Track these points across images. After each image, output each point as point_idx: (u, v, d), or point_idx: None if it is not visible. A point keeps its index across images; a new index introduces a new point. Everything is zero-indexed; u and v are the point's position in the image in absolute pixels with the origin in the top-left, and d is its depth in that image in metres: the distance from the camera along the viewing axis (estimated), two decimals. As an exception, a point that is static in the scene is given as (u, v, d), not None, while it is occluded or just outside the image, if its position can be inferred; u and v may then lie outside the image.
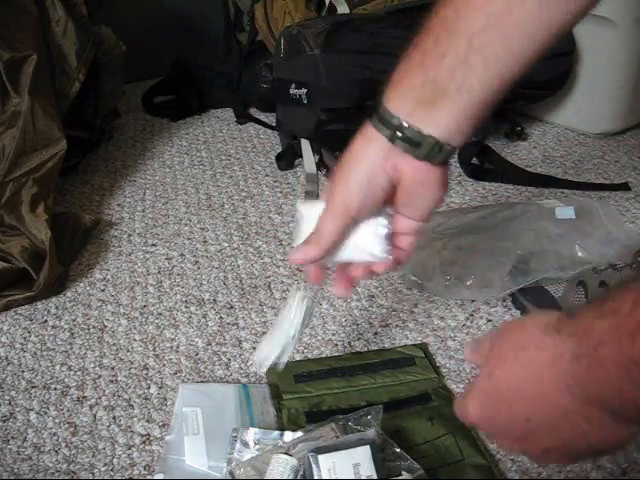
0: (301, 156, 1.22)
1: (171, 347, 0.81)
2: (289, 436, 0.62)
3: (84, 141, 1.25)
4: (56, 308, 0.90)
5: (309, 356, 0.79)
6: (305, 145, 1.21)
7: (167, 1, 1.70)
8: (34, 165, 0.99)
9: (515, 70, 0.55)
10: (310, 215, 0.59)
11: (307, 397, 0.72)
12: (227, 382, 0.76)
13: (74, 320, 0.87)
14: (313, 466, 0.56)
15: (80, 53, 1.10)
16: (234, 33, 1.56)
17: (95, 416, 0.72)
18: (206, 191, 1.19)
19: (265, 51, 1.42)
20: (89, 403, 0.74)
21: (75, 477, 0.65)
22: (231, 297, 0.90)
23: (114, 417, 0.72)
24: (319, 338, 0.82)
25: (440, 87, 0.51)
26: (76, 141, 1.15)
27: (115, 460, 0.67)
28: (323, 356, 0.79)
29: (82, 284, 0.95)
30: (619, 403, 0.38)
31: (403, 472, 0.58)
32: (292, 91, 1.17)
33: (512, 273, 0.83)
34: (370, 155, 0.54)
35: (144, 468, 0.66)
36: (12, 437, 0.70)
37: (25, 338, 0.85)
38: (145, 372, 0.78)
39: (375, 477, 0.55)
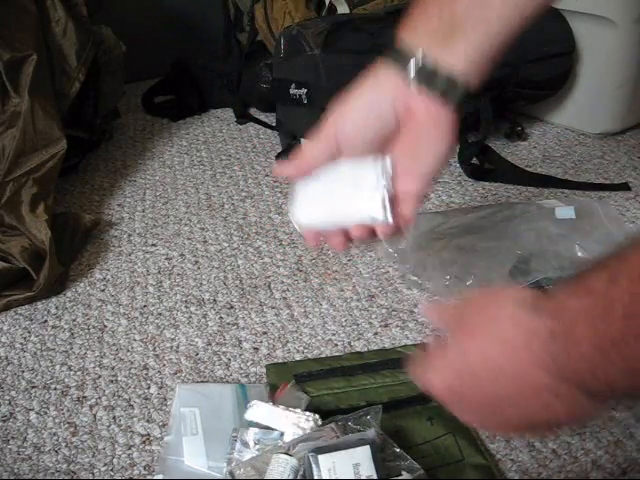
0: (301, 156, 1.22)
1: (171, 347, 0.81)
2: (289, 436, 0.62)
3: (84, 141, 1.25)
4: (56, 308, 0.90)
5: (309, 356, 0.79)
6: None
7: (167, 1, 1.70)
8: (34, 165, 0.99)
9: (532, 6, 0.52)
10: None
11: (307, 397, 0.72)
12: (226, 382, 0.76)
13: (74, 320, 0.87)
14: (313, 466, 0.56)
15: (80, 53, 1.11)
16: (234, 33, 1.56)
17: (95, 416, 0.72)
18: (206, 191, 1.19)
19: (265, 51, 1.43)
20: (89, 403, 0.74)
21: (75, 477, 0.65)
22: (231, 297, 0.90)
23: (114, 417, 0.72)
24: (319, 338, 0.82)
25: (457, 20, 0.50)
26: (76, 141, 1.15)
27: (115, 460, 0.67)
28: (323, 356, 0.79)
29: (82, 284, 0.95)
30: (593, 382, 0.37)
31: (403, 472, 0.58)
32: (292, 91, 1.17)
33: (512, 273, 0.83)
34: (379, 88, 0.52)
35: (144, 468, 0.66)
36: (12, 437, 0.70)
37: (25, 338, 0.85)
38: (145, 372, 0.78)
39: (375, 477, 0.55)
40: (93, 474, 0.66)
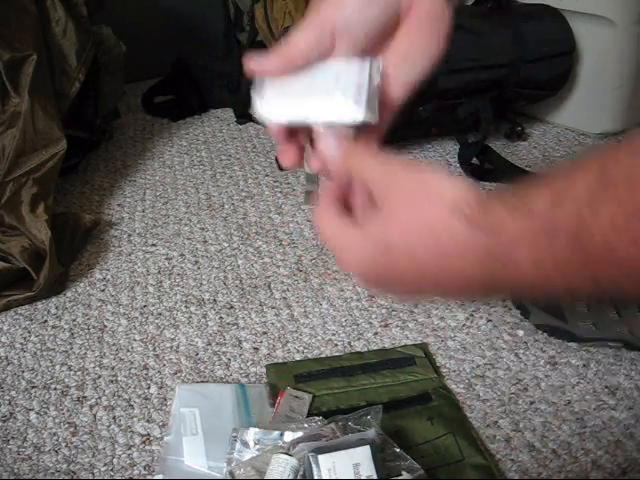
0: (301, 156, 1.22)
1: (171, 347, 0.81)
2: (289, 436, 0.62)
3: (84, 141, 1.25)
4: (56, 308, 0.90)
5: (309, 356, 0.79)
6: (306, 145, 1.21)
7: (167, 1, 1.70)
8: (34, 165, 0.99)
9: None
10: None
11: (307, 397, 0.72)
12: (226, 382, 0.76)
13: (74, 320, 0.87)
14: (313, 466, 0.56)
15: (80, 53, 1.10)
16: (234, 33, 1.56)
17: (95, 416, 0.72)
18: (206, 191, 1.19)
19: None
20: (89, 403, 0.74)
21: (75, 477, 0.65)
22: (231, 297, 0.90)
23: (114, 417, 0.72)
24: (319, 338, 0.82)
25: None
26: (76, 141, 1.15)
27: (115, 460, 0.67)
28: (323, 356, 0.79)
29: (82, 284, 0.95)
30: (527, 294, 0.38)
31: (403, 472, 0.58)
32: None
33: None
34: None
35: (144, 468, 0.66)
36: (12, 437, 0.70)
37: (25, 338, 0.85)
38: (145, 372, 0.78)
39: (375, 477, 0.55)
40: (93, 474, 0.66)
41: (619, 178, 0.31)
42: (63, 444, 0.69)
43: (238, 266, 0.97)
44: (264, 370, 0.77)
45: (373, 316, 0.85)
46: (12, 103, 0.99)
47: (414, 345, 0.79)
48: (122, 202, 1.16)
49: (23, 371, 0.79)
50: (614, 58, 1.24)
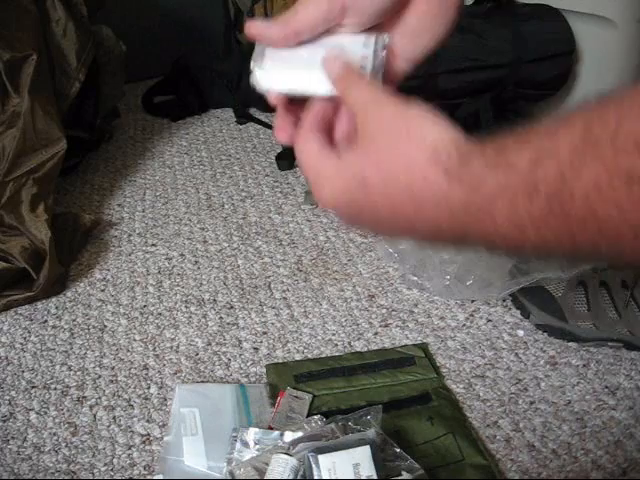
0: (301, 156, 1.22)
1: (171, 347, 0.81)
2: (289, 436, 0.62)
3: (84, 141, 1.24)
4: (56, 308, 0.90)
5: (309, 356, 0.79)
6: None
7: (167, 1, 1.70)
8: (34, 165, 0.99)
9: None
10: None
11: (307, 397, 0.72)
12: (226, 382, 0.76)
13: (74, 320, 0.87)
14: (313, 466, 0.56)
15: (80, 53, 1.10)
16: (234, 33, 1.56)
17: (95, 416, 0.72)
18: (206, 191, 1.19)
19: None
20: (89, 403, 0.74)
21: (75, 477, 0.65)
22: (231, 297, 0.90)
23: (114, 417, 0.72)
24: (319, 338, 0.82)
25: None
26: (76, 141, 1.15)
27: (115, 460, 0.67)
28: (323, 356, 0.79)
29: (82, 284, 0.95)
30: (501, 247, 0.37)
31: (403, 472, 0.58)
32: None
33: (512, 273, 0.83)
34: None
35: (144, 468, 0.66)
36: (12, 437, 0.70)
37: (25, 338, 0.85)
38: (145, 372, 0.78)
39: (375, 477, 0.55)
40: (93, 474, 0.66)
41: (604, 138, 0.30)
42: (63, 444, 0.69)
43: (238, 266, 0.97)
44: (264, 370, 0.77)
45: (373, 316, 0.85)
46: (12, 103, 0.99)
47: (414, 345, 0.79)
48: (122, 202, 1.16)
49: (23, 371, 0.79)
50: (614, 58, 1.23)
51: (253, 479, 0.59)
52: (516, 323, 0.83)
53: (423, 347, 0.79)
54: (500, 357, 0.78)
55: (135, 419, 0.71)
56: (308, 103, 0.48)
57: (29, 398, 0.75)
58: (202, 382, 0.76)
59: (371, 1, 0.46)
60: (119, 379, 0.77)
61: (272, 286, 0.92)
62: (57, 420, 0.72)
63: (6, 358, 0.81)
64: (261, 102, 1.48)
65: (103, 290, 0.93)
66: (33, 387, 0.77)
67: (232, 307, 0.88)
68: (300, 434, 0.62)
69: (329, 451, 0.56)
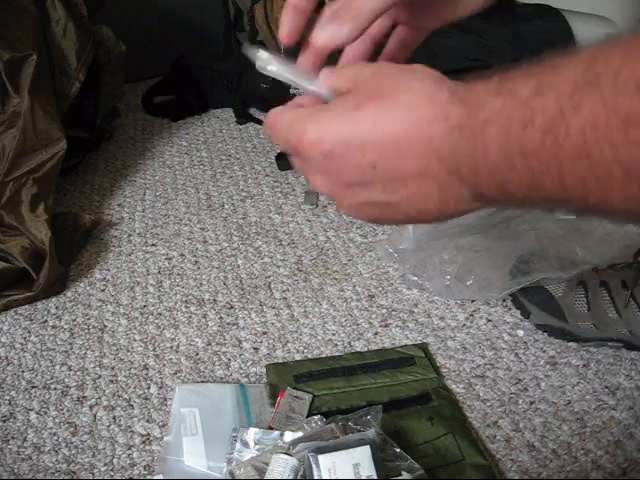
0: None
1: (171, 347, 0.81)
2: (289, 436, 0.62)
3: (84, 141, 1.25)
4: (56, 308, 0.90)
5: (309, 356, 0.79)
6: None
7: (167, 1, 1.70)
8: (34, 165, 0.99)
9: None
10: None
11: (307, 397, 0.72)
12: (226, 382, 0.76)
13: (74, 320, 0.87)
14: (313, 466, 0.56)
15: (80, 53, 1.10)
16: (234, 33, 1.56)
17: (95, 416, 0.72)
18: (206, 191, 1.19)
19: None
20: (89, 403, 0.74)
21: (75, 477, 0.65)
22: (231, 297, 0.90)
23: (114, 417, 0.72)
24: (319, 338, 0.82)
25: None
26: (76, 141, 1.15)
27: (115, 460, 0.67)
28: (323, 356, 0.79)
29: (82, 284, 0.95)
30: (488, 185, 0.36)
31: (403, 472, 0.58)
32: (292, 91, 1.17)
33: (512, 273, 0.83)
34: None
35: (144, 468, 0.66)
36: (12, 437, 0.70)
37: (25, 338, 0.85)
38: (145, 372, 0.78)
39: (375, 477, 0.55)
40: (93, 474, 0.66)
41: (606, 76, 0.30)
42: (63, 444, 0.69)
43: (238, 266, 0.97)
44: (264, 370, 0.77)
45: (373, 316, 0.85)
46: (12, 103, 0.99)
47: (414, 345, 0.79)
48: (122, 202, 1.16)
49: (23, 371, 0.79)
50: (614, 58, 1.24)
51: (253, 479, 0.59)
52: (516, 323, 0.83)
53: (423, 347, 0.79)
54: (500, 357, 0.78)
55: (135, 419, 0.71)
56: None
57: (29, 398, 0.75)
58: (202, 382, 0.76)
59: None
60: (119, 379, 0.77)
61: (272, 286, 0.92)
62: (57, 420, 0.72)
63: (6, 358, 0.81)
64: (261, 102, 1.48)
65: (103, 290, 0.93)
66: (33, 387, 0.77)
67: (232, 307, 0.88)
68: (300, 434, 0.62)
69: (329, 451, 0.56)
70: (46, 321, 0.87)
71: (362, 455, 0.56)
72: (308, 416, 0.68)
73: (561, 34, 1.28)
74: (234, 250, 1.01)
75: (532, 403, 0.71)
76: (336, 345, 0.81)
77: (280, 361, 0.78)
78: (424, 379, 0.74)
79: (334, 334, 0.82)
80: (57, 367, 0.79)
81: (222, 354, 0.80)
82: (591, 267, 0.80)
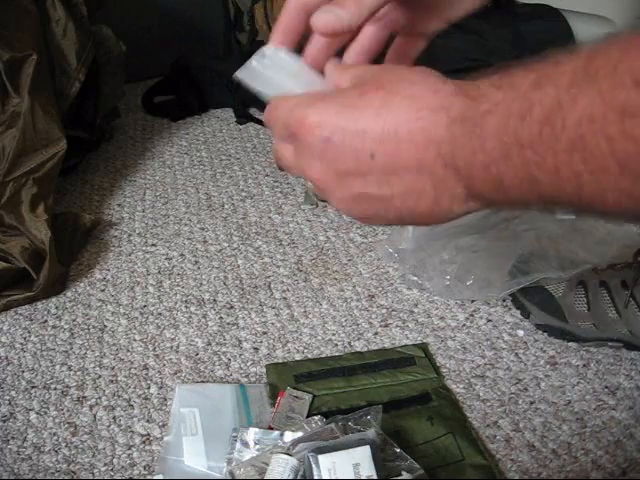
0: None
1: (171, 347, 0.81)
2: (289, 436, 0.62)
3: (84, 141, 1.25)
4: (56, 308, 0.90)
5: (309, 356, 0.79)
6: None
7: (167, 1, 1.70)
8: (34, 165, 0.99)
9: None
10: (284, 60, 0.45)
11: (307, 397, 0.72)
12: (226, 382, 0.76)
13: (74, 320, 0.87)
14: (313, 466, 0.56)
15: (80, 53, 1.10)
16: (234, 33, 1.56)
17: (95, 416, 0.72)
18: (206, 191, 1.19)
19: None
20: (89, 403, 0.74)
21: (75, 477, 0.65)
22: (231, 297, 0.90)
23: (114, 417, 0.72)
24: (319, 338, 0.82)
25: None
26: (76, 141, 1.15)
27: (115, 460, 0.67)
28: (323, 356, 0.79)
29: (82, 284, 0.95)
30: (483, 181, 0.36)
31: (403, 472, 0.58)
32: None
33: (512, 273, 0.83)
34: None
35: (144, 468, 0.66)
36: (12, 437, 0.70)
37: (25, 338, 0.85)
38: (145, 372, 0.78)
39: (375, 477, 0.55)
40: (93, 474, 0.66)
41: (605, 70, 0.30)
42: (63, 444, 0.69)
43: (238, 266, 0.97)
44: (264, 370, 0.77)
45: (373, 316, 0.85)
46: (12, 103, 0.99)
47: (414, 345, 0.79)
48: (122, 202, 1.16)
49: (23, 371, 0.79)
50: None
51: (253, 479, 0.59)
52: (516, 323, 0.83)
53: (423, 347, 0.79)
54: (500, 357, 0.78)
55: (135, 419, 0.71)
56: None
57: (29, 398, 0.75)
58: (202, 382, 0.76)
59: None
60: (119, 379, 0.77)
61: (272, 286, 0.92)
62: (57, 420, 0.72)
63: (6, 358, 0.81)
64: (261, 102, 1.48)
65: (103, 290, 0.93)
66: (33, 387, 0.77)
67: (232, 307, 0.88)
68: (300, 434, 0.62)
69: (329, 451, 0.56)
70: (46, 321, 0.87)
71: (362, 455, 0.56)
72: (308, 416, 0.68)
73: (561, 34, 1.28)
74: (234, 250, 1.01)
75: (532, 403, 0.71)
76: (336, 345, 0.81)
77: (280, 361, 0.78)
78: (424, 379, 0.74)
79: (334, 334, 0.82)
80: (57, 367, 0.79)
81: (222, 354, 0.80)
82: (591, 267, 0.80)
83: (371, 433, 0.59)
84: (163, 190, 1.20)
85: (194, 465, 0.64)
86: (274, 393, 0.72)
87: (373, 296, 0.89)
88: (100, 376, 0.78)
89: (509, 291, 0.83)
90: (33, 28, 1.03)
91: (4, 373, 0.79)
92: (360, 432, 0.61)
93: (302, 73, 0.47)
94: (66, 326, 0.86)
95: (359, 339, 0.81)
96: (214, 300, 0.90)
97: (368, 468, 0.56)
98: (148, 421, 0.71)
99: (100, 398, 0.74)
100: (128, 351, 0.81)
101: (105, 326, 0.86)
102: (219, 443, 0.65)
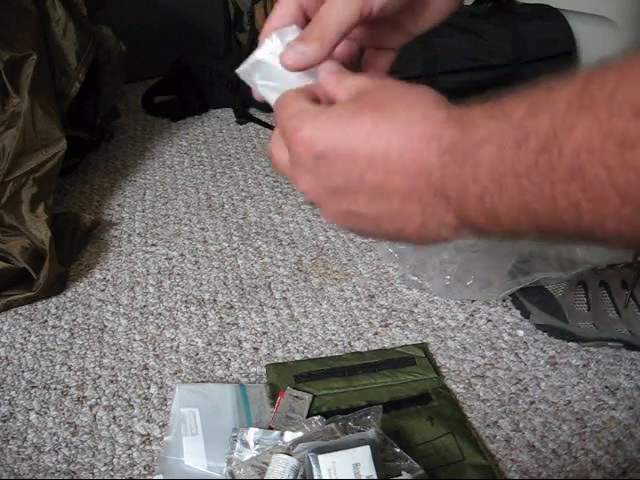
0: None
1: (171, 347, 0.81)
2: (289, 436, 0.62)
3: (84, 141, 1.25)
4: (56, 308, 0.90)
5: (309, 356, 0.79)
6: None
7: (167, 1, 1.70)
8: (34, 165, 0.99)
9: None
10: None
11: (307, 397, 0.72)
12: (226, 382, 0.76)
13: (74, 320, 0.87)
14: (313, 466, 0.56)
15: (80, 53, 1.11)
16: (234, 33, 1.56)
17: (95, 416, 0.72)
18: (206, 191, 1.19)
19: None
20: (89, 403, 0.74)
21: (75, 477, 0.65)
22: (231, 297, 0.90)
23: (114, 417, 0.72)
24: (319, 338, 0.82)
25: None
26: (76, 141, 1.15)
27: (115, 460, 0.67)
28: (323, 356, 0.79)
29: (82, 284, 0.95)
30: (473, 210, 0.35)
31: (403, 472, 0.58)
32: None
33: (512, 273, 0.83)
34: None
35: (144, 468, 0.66)
36: (12, 437, 0.70)
37: (25, 338, 0.85)
38: (145, 372, 0.78)
39: (375, 477, 0.55)
40: (93, 474, 0.66)
41: (601, 98, 0.29)
42: (63, 444, 0.69)
43: (238, 266, 0.97)
44: (264, 370, 0.77)
45: (373, 316, 0.85)
46: (12, 103, 0.99)
47: (414, 345, 0.79)
48: (122, 202, 1.16)
49: (23, 371, 0.79)
50: (614, 58, 1.24)
51: (253, 479, 0.59)
52: (516, 323, 0.83)
53: (423, 347, 0.79)
54: (500, 357, 0.78)
55: (135, 419, 0.71)
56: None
57: (29, 398, 0.75)
58: (202, 382, 0.76)
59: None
60: (119, 379, 0.77)
61: (272, 286, 0.92)
62: (57, 420, 0.72)
63: (6, 358, 0.81)
64: (261, 102, 1.48)
65: (103, 290, 0.93)
66: (33, 387, 0.77)
67: (232, 307, 0.88)
68: (300, 434, 0.62)
69: (329, 451, 0.56)
70: (46, 321, 0.87)
71: (362, 455, 0.56)
72: (308, 416, 0.68)
73: (561, 34, 1.28)
74: (234, 250, 1.01)
75: (532, 403, 0.71)
76: (336, 345, 0.81)
77: (280, 361, 0.78)
78: (424, 379, 0.74)
79: (334, 334, 0.82)
80: (57, 367, 0.79)
81: (222, 354, 0.80)
82: (591, 267, 0.80)
83: (371, 433, 0.59)
84: (163, 190, 1.20)
85: (194, 465, 0.64)
86: (274, 393, 0.72)
87: (373, 296, 0.89)
88: (100, 376, 0.78)
89: (509, 291, 0.83)
90: (33, 28, 1.03)
91: (4, 373, 0.79)
92: (360, 432, 0.61)
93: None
94: (66, 326, 0.86)
95: (359, 339, 0.81)
96: (214, 300, 0.90)
97: (368, 468, 0.56)
98: (148, 421, 0.71)
99: (100, 398, 0.74)
100: (128, 351, 0.81)
101: (105, 326, 0.86)
102: (219, 443, 0.65)
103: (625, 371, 0.75)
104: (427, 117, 0.37)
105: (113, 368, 0.79)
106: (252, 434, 0.64)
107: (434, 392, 0.72)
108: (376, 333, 0.82)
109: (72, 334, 0.85)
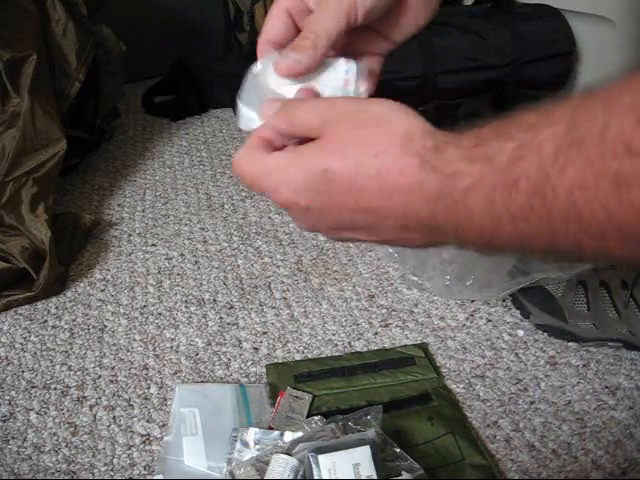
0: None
1: (171, 347, 0.81)
2: (289, 436, 0.62)
3: (84, 141, 1.25)
4: (56, 308, 0.90)
5: (309, 356, 0.79)
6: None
7: (167, 1, 1.70)
8: (34, 165, 0.99)
9: None
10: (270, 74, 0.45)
11: (307, 397, 0.72)
12: (226, 382, 0.76)
13: (74, 320, 0.87)
14: (313, 466, 0.56)
15: (80, 53, 1.10)
16: (234, 33, 1.56)
17: (95, 416, 0.72)
18: (206, 191, 1.19)
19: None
20: (89, 403, 0.74)
21: (75, 477, 0.65)
22: (231, 297, 0.90)
23: (114, 417, 0.72)
24: (319, 338, 0.82)
25: None
26: (76, 141, 1.15)
27: (115, 460, 0.67)
28: (323, 356, 0.79)
29: (82, 284, 0.95)
30: (472, 241, 0.35)
31: (403, 472, 0.58)
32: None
33: (512, 273, 0.83)
34: None
35: (144, 468, 0.66)
36: (12, 437, 0.70)
37: (25, 338, 0.85)
38: (145, 372, 0.78)
39: (375, 477, 0.55)
40: (93, 474, 0.66)
41: (591, 136, 0.28)
42: (63, 444, 0.69)
43: (238, 266, 0.97)
44: (264, 370, 0.77)
45: (373, 316, 0.85)
46: (12, 103, 0.99)
47: (414, 345, 0.79)
48: (122, 202, 1.16)
49: (23, 371, 0.79)
50: (614, 58, 1.24)
51: (253, 479, 0.59)
52: (516, 323, 0.83)
53: (423, 347, 0.79)
54: (500, 357, 0.78)
55: (135, 419, 0.71)
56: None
57: (29, 398, 0.75)
58: (202, 382, 0.76)
59: (376, 6, 0.46)
60: (119, 379, 0.77)
61: (272, 286, 0.92)
62: (57, 420, 0.72)
63: (6, 358, 0.81)
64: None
65: (103, 290, 0.93)
66: (33, 387, 0.77)
67: (232, 307, 0.88)
68: (300, 434, 0.62)
69: (329, 451, 0.56)
70: (46, 321, 0.87)
71: (362, 455, 0.56)
72: (308, 416, 0.68)
73: (561, 34, 1.28)
74: (234, 250, 1.01)
75: (532, 403, 0.71)
76: (336, 345, 0.81)
77: (280, 361, 0.78)
78: (424, 379, 0.74)
79: (334, 334, 0.82)
80: (57, 367, 0.79)
81: (222, 354, 0.80)
82: (591, 267, 0.80)
83: (371, 433, 0.59)
84: (163, 190, 1.20)
85: (194, 465, 0.64)
86: (274, 393, 0.72)
87: (373, 296, 0.89)
88: (100, 376, 0.78)
89: (509, 291, 0.83)
90: (33, 28, 1.03)
91: (4, 373, 0.79)
92: (360, 432, 0.61)
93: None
94: (66, 326, 0.86)
95: (359, 339, 0.81)
96: (214, 300, 0.90)
97: (368, 468, 0.56)
98: (148, 421, 0.71)
99: (100, 398, 0.74)
100: (128, 351, 0.81)
101: (105, 326, 0.86)
102: (219, 443, 0.65)
103: (625, 371, 0.75)
104: (401, 170, 0.36)
105: (113, 368, 0.79)
106: (252, 434, 0.64)
107: (434, 392, 0.72)
108: (376, 333, 0.82)
109: (72, 334, 0.85)
